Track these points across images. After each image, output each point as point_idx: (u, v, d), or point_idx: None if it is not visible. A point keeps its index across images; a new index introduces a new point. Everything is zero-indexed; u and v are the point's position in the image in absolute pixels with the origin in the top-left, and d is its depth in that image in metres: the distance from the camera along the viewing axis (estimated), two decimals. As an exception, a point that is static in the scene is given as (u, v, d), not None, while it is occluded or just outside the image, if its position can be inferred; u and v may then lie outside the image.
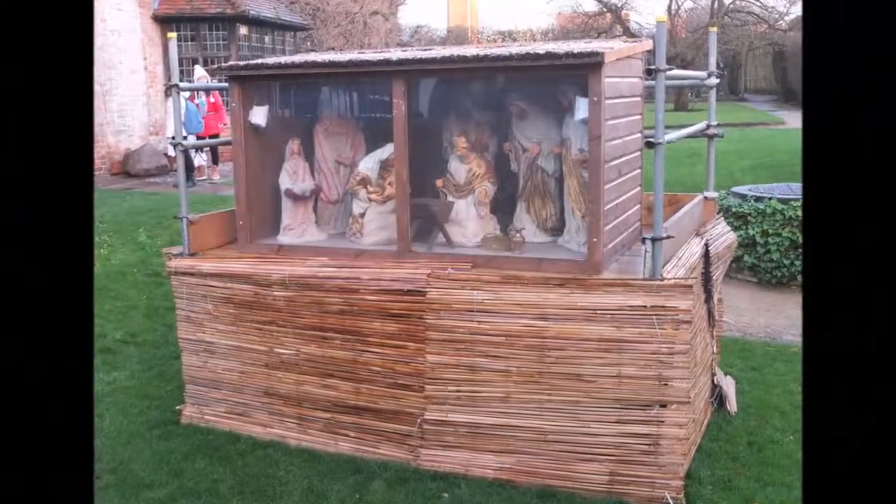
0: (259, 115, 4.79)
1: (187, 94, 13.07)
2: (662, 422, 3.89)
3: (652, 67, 3.87)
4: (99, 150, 15.15)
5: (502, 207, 4.82)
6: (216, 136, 14.04)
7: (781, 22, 34.28)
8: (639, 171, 4.80)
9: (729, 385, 5.25)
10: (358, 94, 5.45)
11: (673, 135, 4.36)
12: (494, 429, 4.19)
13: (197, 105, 13.95)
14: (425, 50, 5.06)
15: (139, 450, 4.66)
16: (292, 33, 20.91)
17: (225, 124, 14.19)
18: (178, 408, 5.12)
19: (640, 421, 3.91)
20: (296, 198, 4.96)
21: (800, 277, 7.83)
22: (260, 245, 4.88)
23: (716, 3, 34.50)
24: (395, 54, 4.53)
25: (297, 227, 4.97)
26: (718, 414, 4.98)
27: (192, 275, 4.80)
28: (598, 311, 3.90)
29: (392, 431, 4.44)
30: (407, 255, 4.46)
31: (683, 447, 3.96)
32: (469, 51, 4.47)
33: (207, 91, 14.37)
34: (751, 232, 8.10)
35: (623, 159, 4.38)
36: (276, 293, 4.56)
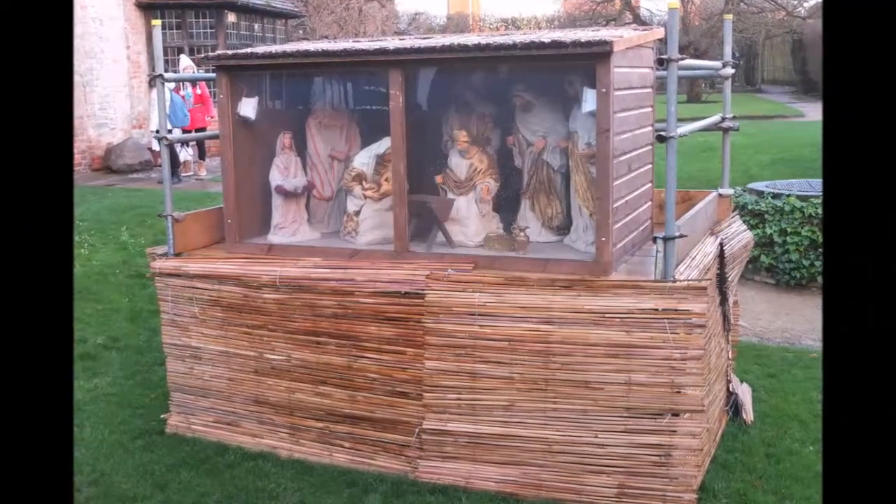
0: (248, 108, 4.79)
1: (172, 85, 13.06)
2: (675, 431, 3.89)
3: (664, 57, 3.87)
4: (79, 145, 15.15)
5: (505, 205, 4.82)
6: (203, 129, 14.04)
7: (800, 9, 34.25)
8: (650, 166, 4.81)
9: (745, 393, 5.25)
10: (353, 85, 5.45)
11: (686, 128, 4.36)
12: (497, 439, 4.19)
13: (182, 97, 13.94)
14: (424, 38, 5.06)
15: (121, 461, 4.66)
16: (283, 21, 20.89)
17: (212, 117, 14.18)
18: (162, 417, 5.13)
19: (651, 430, 3.92)
20: (287, 194, 4.97)
21: (820, 279, 7.84)
22: (249, 245, 4.88)
23: (731, -11, 34.49)
24: (392, 43, 4.53)
25: (288, 226, 4.98)
26: (734, 423, 4.99)
27: (177, 276, 4.80)
28: (607, 315, 3.90)
29: (389, 442, 4.44)
30: (405, 255, 4.46)
31: (697, 458, 3.96)
32: (470, 39, 4.47)
33: (194, 82, 14.36)
34: (768, 231, 8.10)
35: (633, 154, 4.39)
36: (266, 295, 4.57)
